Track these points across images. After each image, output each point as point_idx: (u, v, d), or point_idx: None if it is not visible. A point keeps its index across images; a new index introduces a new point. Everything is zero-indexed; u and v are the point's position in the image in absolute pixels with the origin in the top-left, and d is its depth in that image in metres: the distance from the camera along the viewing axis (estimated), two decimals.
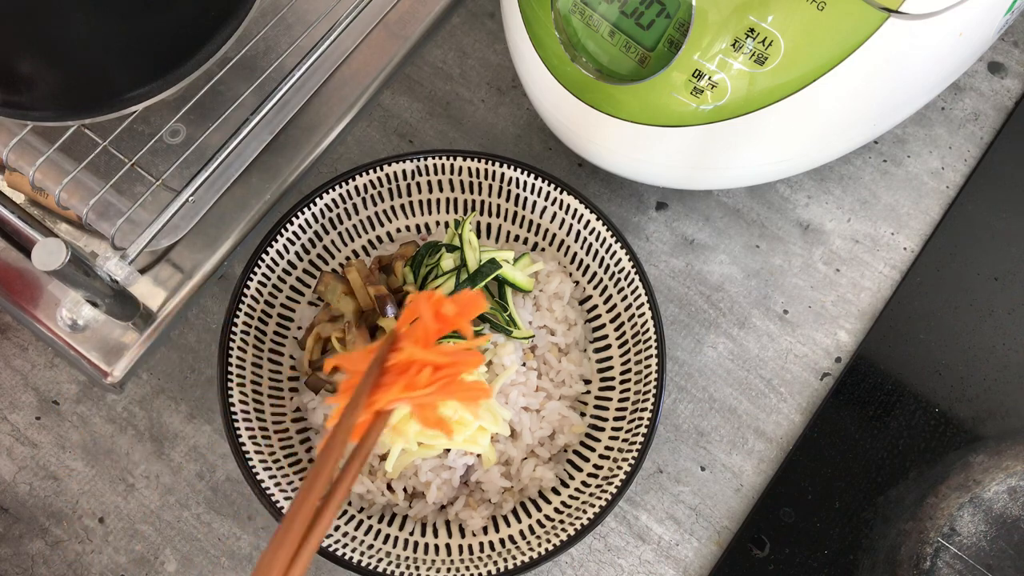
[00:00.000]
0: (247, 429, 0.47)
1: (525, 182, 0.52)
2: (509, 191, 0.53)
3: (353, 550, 0.46)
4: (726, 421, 0.54)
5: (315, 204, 0.51)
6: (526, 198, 0.53)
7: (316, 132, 0.54)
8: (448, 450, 0.48)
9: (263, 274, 0.51)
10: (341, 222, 0.53)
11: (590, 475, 0.49)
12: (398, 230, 0.55)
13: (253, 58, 0.53)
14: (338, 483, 0.35)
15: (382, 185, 0.53)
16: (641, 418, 0.48)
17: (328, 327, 0.49)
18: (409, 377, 0.39)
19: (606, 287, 0.52)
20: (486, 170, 0.53)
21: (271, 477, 0.47)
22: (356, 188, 0.52)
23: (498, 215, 0.55)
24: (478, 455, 0.48)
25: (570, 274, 0.54)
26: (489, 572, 0.45)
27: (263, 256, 0.50)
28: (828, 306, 0.56)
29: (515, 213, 0.54)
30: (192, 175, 0.47)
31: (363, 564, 0.45)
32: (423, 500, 0.49)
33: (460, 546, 0.48)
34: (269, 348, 0.51)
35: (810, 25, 0.43)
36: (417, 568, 0.46)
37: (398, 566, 0.46)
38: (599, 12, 0.47)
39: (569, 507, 0.48)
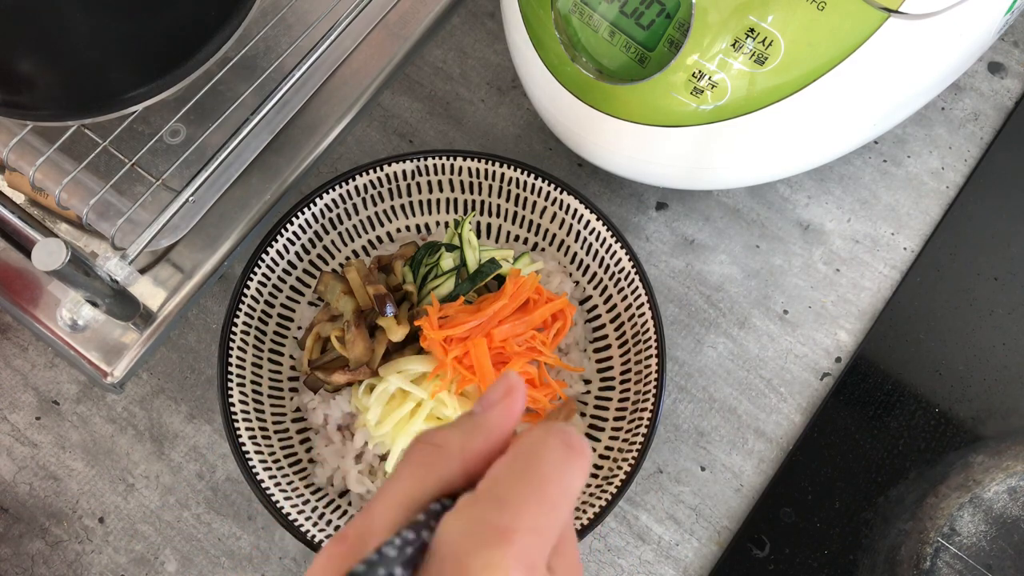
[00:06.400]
0: (247, 429, 0.47)
1: (525, 182, 0.52)
2: (509, 191, 0.53)
3: None
4: (726, 421, 0.54)
5: (315, 204, 0.51)
6: (526, 198, 0.53)
7: (316, 132, 0.54)
8: None
9: (263, 274, 0.50)
10: (341, 222, 0.53)
11: (590, 475, 0.49)
12: (398, 230, 0.55)
13: (253, 58, 0.53)
14: None
15: (382, 185, 0.53)
16: (641, 418, 0.48)
17: (328, 327, 0.49)
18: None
19: (606, 287, 0.52)
20: (486, 170, 0.53)
21: (271, 477, 0.47)
22: (356, 188, 0.52)
23: (498, 215, 0.55)
24: None
25: (570, 274, 0.54)
26: None
27: (263, 256, 0.50)
28: (828, 306, 0.56)
29: (515, 213, 0.54)
30: (192, 175, 0.47)
31: None
32: None
33: None
34: (269, 348, 0.51)
35: (810, 25, 0.43)
36: None
37: None
38: (599, 12, 0.47)
39: None
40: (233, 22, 0.49)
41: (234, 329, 0.49)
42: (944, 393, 0.54)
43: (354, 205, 0.53)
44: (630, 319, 0.51)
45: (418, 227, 0.55)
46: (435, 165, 0.53)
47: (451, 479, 0.26)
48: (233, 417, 0.47)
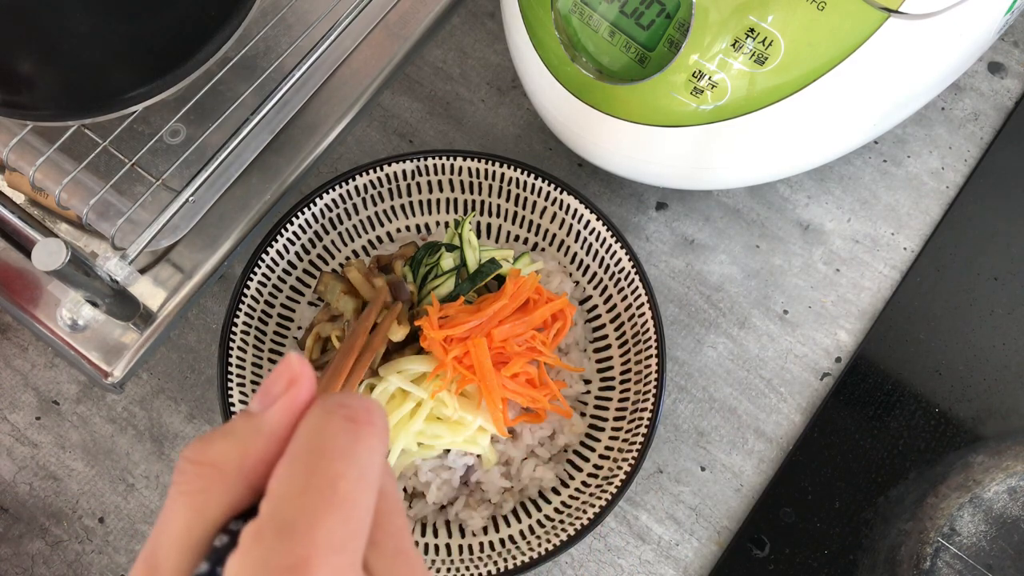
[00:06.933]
0: None
1: (525, 182, 0.52)
2: (509, 191, 0.53)
3: None
4: (726, 421, 0.54)
5: (315, 204, 0.51)
6: (526, 198, 0.53)
7: (316, 132, 0.54)
8: (448, 450, 0.48)
9: (263, 274, 0.51)
10: (341, 222, 0.53)
11: (590, 475, 0.49)
12: (398, 230, 0.55)
13: (253, 58, 0.53)
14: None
15: (382, 185, 0.53)
16: (641, 418, 0.48)
17: (328, 327, 0.49)
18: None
19: (606, 287, 0.52)
20: (486, 170, 0.53)
21: None
22: (356, 188, 0.52)
23: (498, 215, 0.55)
24: (478, 455, 0.48)
25: (570, 274, 0.54)
26: (489, 572, 0.45)
27: (263, 256, 0.50)
28: (828, 306, 0.56)
29: (515, 213, 0.54)
30: (192, 175, 0.47)
31: None
32: (423, 500, 0.49)
33: (460, 546, 0.48)
34: (269, 348, 0.51)
35: (810, 25, 0.43)
36: None
37: None
38: (599, 12, 0.47)
39: (569, 507, 0.48)
40: (233, 22, 0.49)
41: (234, 329, 0.49)
42: (944, 393, 0.54)
43: (354, 205, 0.53)
44: (630, 319, 0.51)
45: (418, 227, 0.55)
46: (435, 165, 0.53)
47: (236, 499, 0.22)
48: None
